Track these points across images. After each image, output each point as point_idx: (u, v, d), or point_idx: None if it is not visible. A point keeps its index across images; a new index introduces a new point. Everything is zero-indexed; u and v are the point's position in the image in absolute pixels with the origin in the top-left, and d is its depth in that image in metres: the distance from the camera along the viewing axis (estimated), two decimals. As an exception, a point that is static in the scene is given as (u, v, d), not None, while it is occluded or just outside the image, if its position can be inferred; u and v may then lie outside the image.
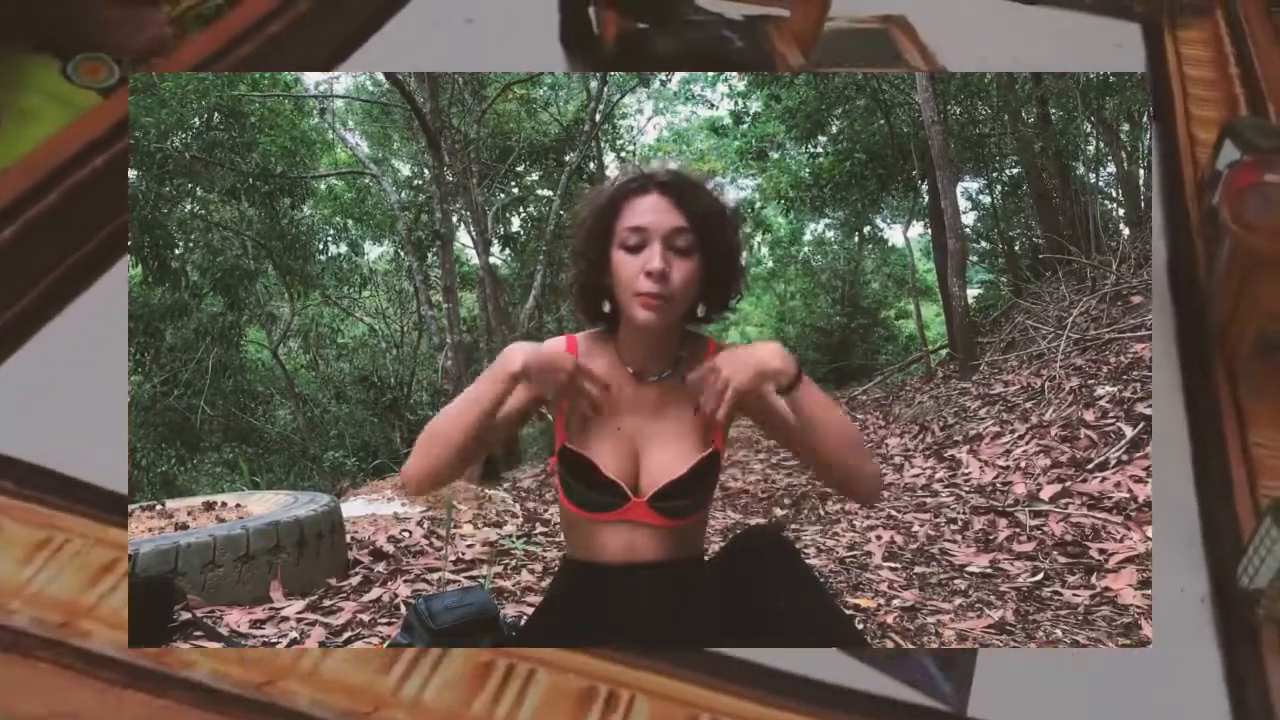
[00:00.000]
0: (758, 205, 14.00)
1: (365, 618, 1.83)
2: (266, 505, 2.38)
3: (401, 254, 10.42)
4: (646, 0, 1.52)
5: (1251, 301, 1.25)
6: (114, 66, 1.56)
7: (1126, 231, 7.53)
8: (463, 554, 2.49)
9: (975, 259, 11.70)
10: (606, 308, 1.07)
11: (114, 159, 1.39)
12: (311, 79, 9.40)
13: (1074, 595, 1.94)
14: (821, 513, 3.31)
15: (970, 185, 11.68)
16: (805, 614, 0.94)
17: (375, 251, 11.98)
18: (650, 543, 1.07)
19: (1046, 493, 2.81)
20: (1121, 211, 8.68)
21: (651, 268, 0.98)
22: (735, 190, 14.20)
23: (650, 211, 1.01)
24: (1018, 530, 2.55)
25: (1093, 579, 2.03)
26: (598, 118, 9.70)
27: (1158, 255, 1.46)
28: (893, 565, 2.34)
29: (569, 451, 1.08)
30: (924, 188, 10.09)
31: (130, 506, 2.34)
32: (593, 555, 1.10)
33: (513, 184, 10.95)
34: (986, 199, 11.66)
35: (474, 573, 2.26)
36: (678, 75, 12.07)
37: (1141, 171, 7.90)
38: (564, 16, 1.61)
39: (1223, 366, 1.29)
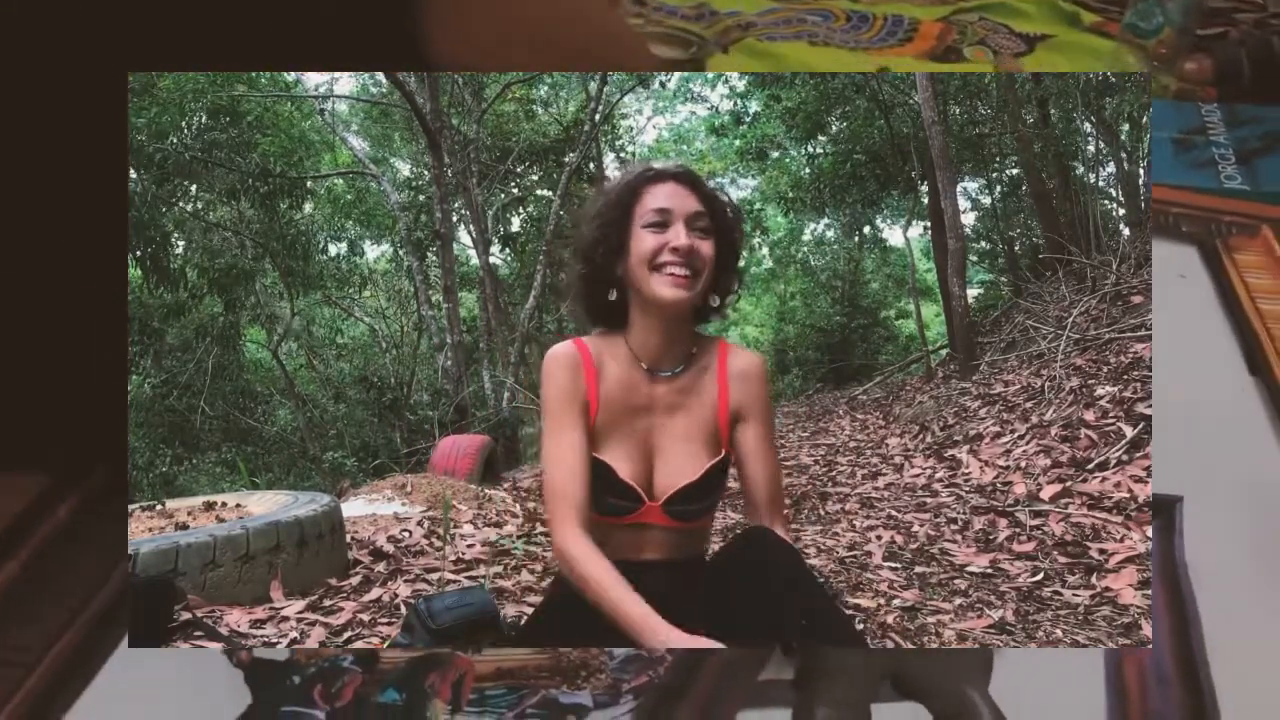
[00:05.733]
0: (757, 205, 14.01)
1: (365, 618, 1.83)
2: (266, 505, 2.38)
3: (401, 254, 10.41)
4: None
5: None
6: None
7: (1126, 231, 7.54)
8: (463, 554, 2.49)
9: (975, 259, 11.71)
10: (613, 295, 1.08)
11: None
12: (312, 79, 9.41)
13: (1074, 595, 1.93)
14: (821, 513, 3.30)
15: (970, 185, 11.70)
16: (805, 614, 0.94)
17: (375, 251, 11.99)
18: (657, 542, 1.08)
19: (1046, 493, 2.81)
20: (1121, 211, 8.69)
21: (679, 244, 1.01)
22: (735, 190, 14.21)
23: (671, 196, 1.04)
24: (1018, 530, 2.55)
25: (1093, 579, 2.03)
26: (597, 118, 9.70)
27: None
28: (893, 565, 2.34)
29: None
30: (924, 188, 10.09)
31: (130, 506, 2.34)
32: (598, 553, 1.10)
33: (512, 184, 10.95)
34: (986, 199, 11.67)
35: (474, 573, 2.26)
36: (677, 75, 12.07)
37: (1141, 171, 7.91)
38: None
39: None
